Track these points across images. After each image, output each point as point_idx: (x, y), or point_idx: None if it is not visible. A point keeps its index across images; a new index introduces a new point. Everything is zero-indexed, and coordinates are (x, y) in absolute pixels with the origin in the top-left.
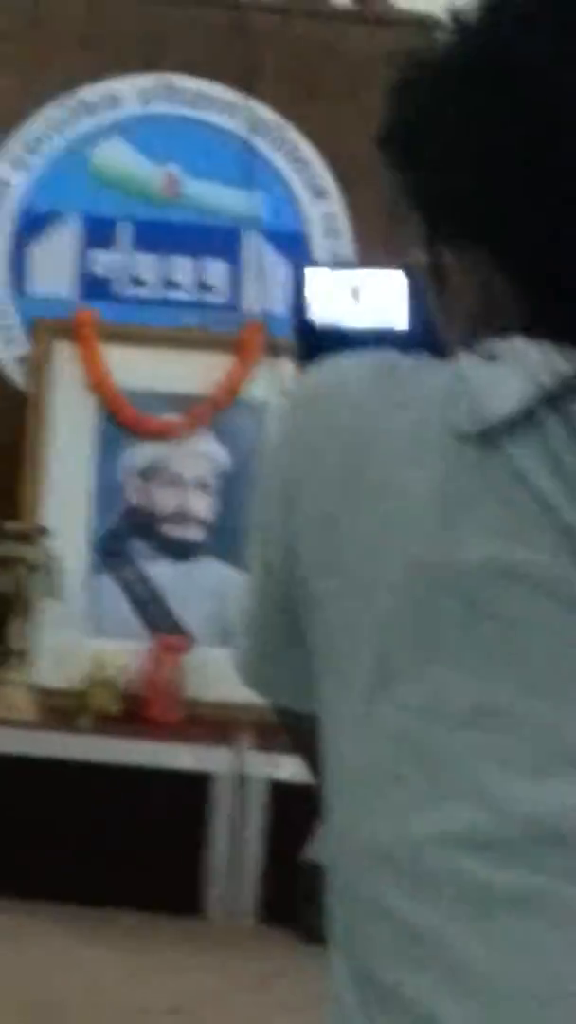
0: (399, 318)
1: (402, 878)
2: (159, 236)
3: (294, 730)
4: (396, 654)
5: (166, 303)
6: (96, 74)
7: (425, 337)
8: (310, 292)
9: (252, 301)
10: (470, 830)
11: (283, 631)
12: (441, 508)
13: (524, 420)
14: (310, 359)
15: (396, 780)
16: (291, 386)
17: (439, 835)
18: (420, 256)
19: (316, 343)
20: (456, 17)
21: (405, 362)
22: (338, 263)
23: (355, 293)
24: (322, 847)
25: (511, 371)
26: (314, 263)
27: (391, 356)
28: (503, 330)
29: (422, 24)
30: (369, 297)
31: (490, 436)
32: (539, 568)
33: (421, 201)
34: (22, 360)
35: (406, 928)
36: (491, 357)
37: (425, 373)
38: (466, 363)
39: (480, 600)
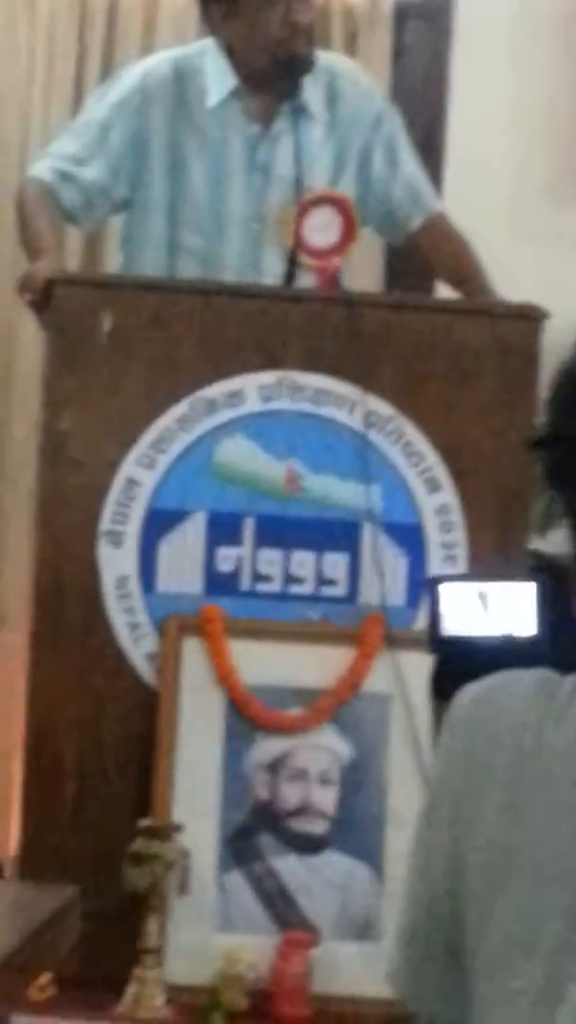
0: (527, 626)
1: None
2: (281, 531)
3: None
4: (565, 977)
5: (288, 597)
6: (218, 372)
7: (552, 646)
8: (443, 605)
9: (371, 593)
10: None
11: (436, 943)
12: None
13: None
14: (447, 669)
15: None
16: (456, 701)
17: None
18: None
19: (451, 655)
20: None
21: (565, 681)
22: (468, 575)
23: (484, 602)
24: None
25: None
26: (441, 575)
27: (550, 675)
28: None
29: (525, 315)
30: (497, 606)
31: None
32: None
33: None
34: (152, 657)
35: None
36: None
37: None
38: None
39: None
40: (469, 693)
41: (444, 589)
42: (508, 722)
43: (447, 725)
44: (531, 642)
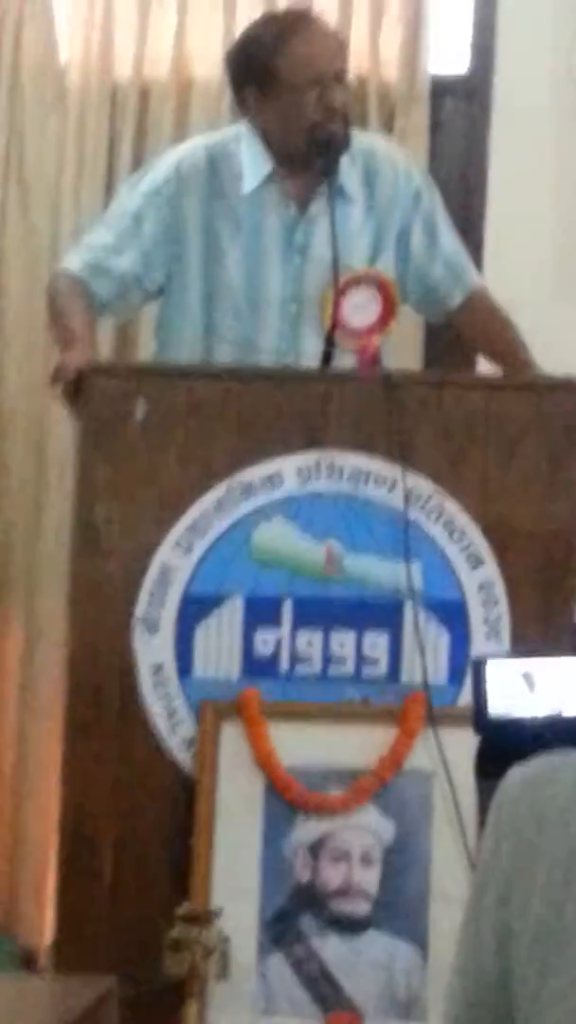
0: (572, 704)
1: None
2: (320, 612)
3: None
4: None
5: (328, 678)
6: (255, 455)
7: None
8: (489, 685)
9: (412, 672)
10: None
11: (485, 1014)
12: None
13: None
14: (492, 749)
15: None
16: (503, 784)
17: None
18: None
19: (497, 735)
20: None
21: None
22: (513, 654)
23: (530, 681)
24: None
25: None
26: (486, 655)
27: None
28: None
29: (567, 389)
30: (542, 685)
31: None
32: None
33: None
34: (189, 742)
35: None
36: None
37: None
38: None
39: None
40: (516, 776)
41: (490, 669)
42: (555, 804)
43: (494, 808)
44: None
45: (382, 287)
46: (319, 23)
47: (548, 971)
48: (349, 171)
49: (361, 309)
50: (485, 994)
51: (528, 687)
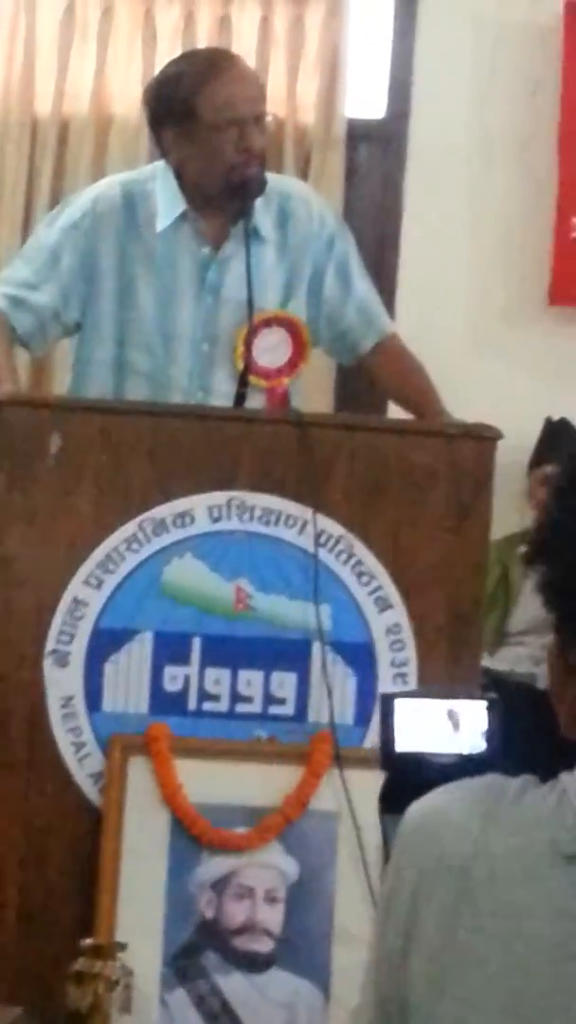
0: (478, 744)
1: None
2: (229, 650)
3: None
4: None
5: (236, 716)
6: (168, 493)
7: (501, 761)
8: (397, 721)
9: (319, 712)
10: None
11: None
12: (549, 926)
13: None
14: (397, 786)
15: None
16: (405, 819)
17: None
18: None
19: (402, 771)
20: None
21: (511, 785)
22: (421, 692)
23: (436, 719)
24: None
25: None
26: (395, 692)
27: (497, 781)
28: None
29: (478, 436)
30: (450, 723)
31: None
32: None
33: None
34: (97, 776)
35: None
36: None
37: (530, 796)
38: (570, 784)
39: None
40: (415, 808)
41: (398, 706)
42: (449, 832)
43: (397, 843)
44: (482, 760)
45: (293, 329)
46: (240, 64)
47: (441, 996)
48: (263, 212)
49: (271, 350)
50: (385, 1017)
51: (435, 725)
